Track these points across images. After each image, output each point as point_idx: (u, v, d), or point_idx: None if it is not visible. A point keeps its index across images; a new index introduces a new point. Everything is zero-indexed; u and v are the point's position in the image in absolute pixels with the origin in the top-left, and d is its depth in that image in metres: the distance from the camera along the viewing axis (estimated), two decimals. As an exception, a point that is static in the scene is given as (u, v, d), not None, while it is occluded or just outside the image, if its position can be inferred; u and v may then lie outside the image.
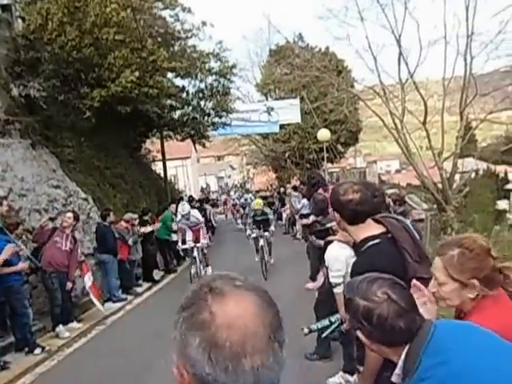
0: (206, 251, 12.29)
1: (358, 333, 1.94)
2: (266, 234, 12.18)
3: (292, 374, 5.66)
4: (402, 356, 1.82)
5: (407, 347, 1.81)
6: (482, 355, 1.66)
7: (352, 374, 4.99)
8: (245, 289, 1.03)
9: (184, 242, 11.91)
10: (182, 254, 14.06)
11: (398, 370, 1.85)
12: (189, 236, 11.88)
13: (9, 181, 9.48)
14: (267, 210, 12.99)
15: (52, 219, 8.73)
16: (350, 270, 2.92)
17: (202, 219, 12.49)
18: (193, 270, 11.34)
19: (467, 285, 2.12)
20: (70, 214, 8.76)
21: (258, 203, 12.83)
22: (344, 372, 5.30)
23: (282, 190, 25.76)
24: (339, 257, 3.78)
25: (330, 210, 3.49)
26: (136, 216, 12.60)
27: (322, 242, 4.50)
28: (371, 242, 2.76)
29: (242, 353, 0.94)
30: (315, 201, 6.56)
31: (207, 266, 12.09)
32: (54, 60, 11.73)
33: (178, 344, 1.02)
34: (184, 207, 12.09)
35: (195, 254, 11.52)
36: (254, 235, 12.22)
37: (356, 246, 2.89)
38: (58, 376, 6.54)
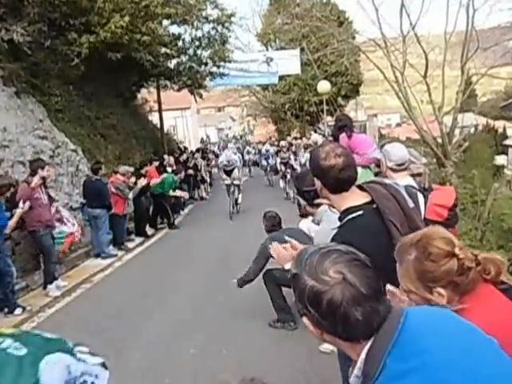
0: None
1: (304, 319, 1.49)
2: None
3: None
4: (362, 355, 1.40)
5: (369, 344, 1.39)
6: (463, 357, 1.28)
7: None
8: None
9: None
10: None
11: (356, 371, 1.44)
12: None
13: (-11, 131, 9.02)
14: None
15: (26, 181, 8.21)
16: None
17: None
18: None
19: (433, 293, 1.78)
20: (48, 167, 8.28)
21: None
22: None
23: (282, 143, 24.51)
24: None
25: None
26: (132, 169, 12.15)
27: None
28: (352, 215, 2.38)
29: None
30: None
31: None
32: (39, 2, 11.02)
33: None
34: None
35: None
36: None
37: (339, 218, 2.50)
38: (36, 339, 6.26)
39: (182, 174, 16.39)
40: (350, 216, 2.39)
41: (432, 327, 1.37)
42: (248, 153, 31.39)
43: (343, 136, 6.63)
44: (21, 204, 7.36)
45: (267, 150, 23.38)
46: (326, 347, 5.03)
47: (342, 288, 1.37)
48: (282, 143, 20.05)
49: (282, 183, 18.66)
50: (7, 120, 9.77)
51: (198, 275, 8.66)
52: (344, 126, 6.63)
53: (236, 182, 14.75)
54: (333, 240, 2.31)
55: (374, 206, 2.40)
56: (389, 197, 2.44)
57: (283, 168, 17.92)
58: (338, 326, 1.39)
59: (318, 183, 2.52)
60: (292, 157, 17.18)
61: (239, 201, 15.34)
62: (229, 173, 14.71)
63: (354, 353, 1.44)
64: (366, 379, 1.38)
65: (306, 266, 1.44)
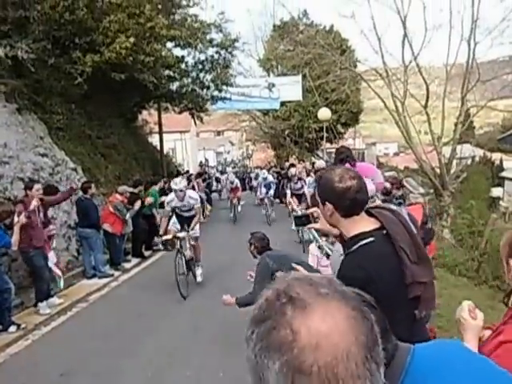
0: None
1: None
2: None
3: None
4: None
5: None
6: None
7: None
8: (332, 298, 0.87)
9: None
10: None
11: None
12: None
13: (-11, 146, 8.96)
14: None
15: (22, 201, 8.08)
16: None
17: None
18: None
19: None
20: (38, 186, 8.12)
21: None
22: None
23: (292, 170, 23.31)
24: None
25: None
26: (131, 189, 12.05)
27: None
28: (364, 241, 2.28)
29: (334, 379, 0.79)
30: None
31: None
32: (45, 20, 11.11)
33: (252, 366, 0.86)
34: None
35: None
36: None
37: (346, 243, 2.40)
38: (30, 358, 6.09)
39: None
40: (362, 242, 2.29)
41: (441, 365, 1.28)
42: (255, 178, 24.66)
43: (347, 166, 6.64)
44: (16, 218, 7.23)
45: (265, 178, 18.39)
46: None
47: None
48: (292, 171, 16.08)
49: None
50: (8, 136, 9.72)
51: (193, 298, 8.52)
52: (346, 157, 6.65)
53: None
54: (345, 264, 2.26)
55: (384, 232, 2.31)
56: (397, 222, 2.36)
57: (295, 200, 14.52)
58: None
59: (328, 207, 2.38)
60: (305, 187, 14.25)
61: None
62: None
63: None
64: None
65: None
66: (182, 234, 8.88)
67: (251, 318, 0.89)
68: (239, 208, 19.29)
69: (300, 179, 15.19)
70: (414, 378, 1.26)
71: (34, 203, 7.73)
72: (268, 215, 16.69)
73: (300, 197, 14.74)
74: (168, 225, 9.27)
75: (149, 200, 12.88)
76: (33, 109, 11.25)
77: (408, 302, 1.90)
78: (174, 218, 9.50)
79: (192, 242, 9.16)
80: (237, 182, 20.11)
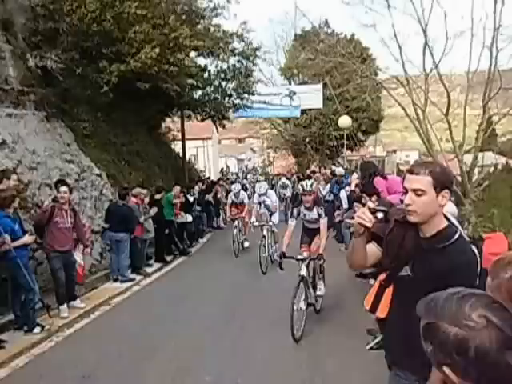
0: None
1: (446, 369, 1.38)
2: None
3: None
4: None
5: None
6: None
7: None
8: None
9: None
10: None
11: None
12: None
13: (19, 153, 9.30)
14: None
15: (54, 200, 8.37)
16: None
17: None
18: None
19: None
20: (64, 188, 8.32)
21: None
22: None
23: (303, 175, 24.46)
24: None
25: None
26: (145, 191, 12.23)
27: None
28: (458, 233, 2.45)
29: None
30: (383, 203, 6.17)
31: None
32: (73, 32, 11.51)
33: None
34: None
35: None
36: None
37: (440, 233, 2.50)
38: (53, 359, 6.32)
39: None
40: (459, 232, 2.49)
41: None
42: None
43: (378, 179, 6.84)
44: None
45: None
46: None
47: (488, 332, 1.30)
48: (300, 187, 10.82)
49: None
50: (36, 143, 10.07)
51: (213, 303, 8.70)
52: (374, 172, 6.84)
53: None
54: (464, 253, 2.42)
55: None
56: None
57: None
58: (488, 373, 1.31)
59: (445, 195, 2.50)
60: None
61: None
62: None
63: None
64: None
65: (443, 312, 1.39)
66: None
67: None
68: (245, 244, 13.79)
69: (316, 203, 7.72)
70: None
71: (46, 203, 8.02)
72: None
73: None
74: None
75: (182, 214, 13.29)
76: (60, 116, 11.62)
77: None
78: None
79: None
80: (244, 196, 14.34)
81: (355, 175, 13.18)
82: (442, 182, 2.45)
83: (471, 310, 1.34)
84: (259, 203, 12.39)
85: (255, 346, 6.44)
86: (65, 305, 8.16)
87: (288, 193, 19.66)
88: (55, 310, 8.07)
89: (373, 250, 2.78)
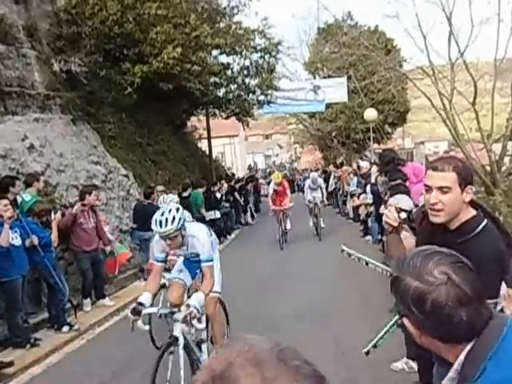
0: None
1: (405, 320, 1.48)
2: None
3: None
4: (461, 357, 1.41)
5: (469, 346, 1.39)
6: None
7: (414, 360, 4.69)
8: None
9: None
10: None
11: (452, 373, 1.45)
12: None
13: (47, 156, 9.50)
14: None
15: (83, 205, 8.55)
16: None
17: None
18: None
19: None
20: (95, 192, 8.54)
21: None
22: (408, 358, 4.98)
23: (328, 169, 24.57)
24: None
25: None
26: (163, 188, 12.07)
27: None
28: (485, 222, 2.38)
29: None
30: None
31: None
32: (96, 35, 11.70)
33: None
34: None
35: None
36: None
37: (463, 226, 2.44)
38: (85, 356, 6.47)
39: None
40: (484, 222, 2.40)
41: None
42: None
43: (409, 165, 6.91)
44: (52, 216, 7.66)
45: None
46: (396, 365, 5.04)
47: (446, 288, 1.37)
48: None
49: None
50: (63, 146, 10.27)
51: (246, 302, 8.73)
52: (392, 159, 6.73)
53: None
54: (486, 242, 2.34)
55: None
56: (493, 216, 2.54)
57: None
58: (442, 326, 1.40)
59: (469, 190, 2.46)
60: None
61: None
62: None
63: (452, 355, 1.45)
64: (463, 381, 1.40)
65: (408, 268, 1.45)
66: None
67: None
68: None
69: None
70: (508, 353, 1.33)
71: (76, 207, 8.20)
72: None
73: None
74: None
75: None
76: (86, 119, 11.83)
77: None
78: None
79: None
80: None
81: (374, 168, 13.06)
82: (466, 177, 2.41)
83: (434, 266, 1.41)
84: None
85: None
86: (88, 299, 8.41)
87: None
88: (88, 308, 8.27)
89: (409, 241, 2.76)
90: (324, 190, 14.79)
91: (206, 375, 0.72)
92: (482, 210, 2.46)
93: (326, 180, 21.36)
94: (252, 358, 0.72)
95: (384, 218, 2.70)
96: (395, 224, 2.64)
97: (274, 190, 13.53)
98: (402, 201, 4.52)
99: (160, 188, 11.76)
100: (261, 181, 31.12)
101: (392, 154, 7.09)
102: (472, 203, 2.45)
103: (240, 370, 0.70)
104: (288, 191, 13.74)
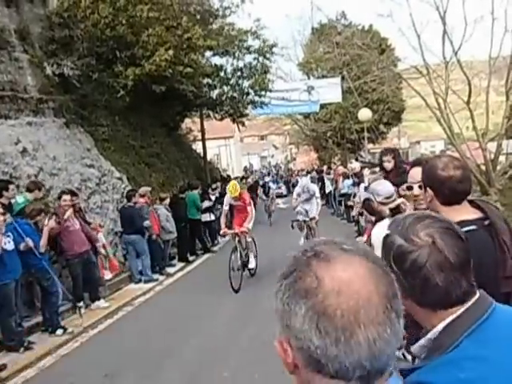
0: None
1: None
2: None
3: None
4: (439, 327, 1.39)
5: (449, 319, 1.37)
6: None
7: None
8: (354, 253, 0.92)
9: None
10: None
11: (424, 341, 1.44)
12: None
13: (40, 160, 9.52)
14: None
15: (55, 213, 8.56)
16: None
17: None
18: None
19: None
20: (65, 197, 8.46)
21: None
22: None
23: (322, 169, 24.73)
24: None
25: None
26: (149, 188, 12.12)
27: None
28: (466, 228, 2.24)
29: (356, 322, 0.84)
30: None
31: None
32: (88, 38, 11.72)
33: (279, 315, 0.93)
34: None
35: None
36: None
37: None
38: (78, 359, 6.49)
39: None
40: (465, 229, 2.20)
41: None
42: None
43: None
44: (46, 221, 7.66)
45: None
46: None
47: (428, 251, 1.38)
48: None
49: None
50: (57, 149, 10.28)
51: (235, 301, 8.77)
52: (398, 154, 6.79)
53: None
54: None
55: (486, 222, 2.35)
56: (501, 217, 2.41)
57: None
58: (417, 287, 1.40)
59: (429, 193, 2.47)
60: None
61: None
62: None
63: (428, 322, 1.44)
64: (434, 351, 1.37)
65: (397, 227, 1.47)
66: None
67: (280, 274, 0.95)
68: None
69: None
70: (490, 327, 1.32)
71: (68, 213, 8.21)
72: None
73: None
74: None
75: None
76: (79, 122, 11.83)
77: (498, 296, 1.97)
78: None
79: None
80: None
81: (367, 171, 13.09)
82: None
83: (422, 228, 1.43)
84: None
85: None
86: (81, 302, 8.45)
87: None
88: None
89: None
90: (319, 200, 12.14)
91: (298, 251, 0.95)
92: (487, 213, 2.38)
93: (321, 180, 21.44)
94: (332, 240, 0.97)
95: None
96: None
97: (231, 206, 10.55)
98: (382, 186, 4.49)
99: (145, 189, 11.78)
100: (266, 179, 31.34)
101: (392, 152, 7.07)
102: (473, 204, 2.42)
103: (324, 245, 0.94)
104: (249, 208, 10.03)
